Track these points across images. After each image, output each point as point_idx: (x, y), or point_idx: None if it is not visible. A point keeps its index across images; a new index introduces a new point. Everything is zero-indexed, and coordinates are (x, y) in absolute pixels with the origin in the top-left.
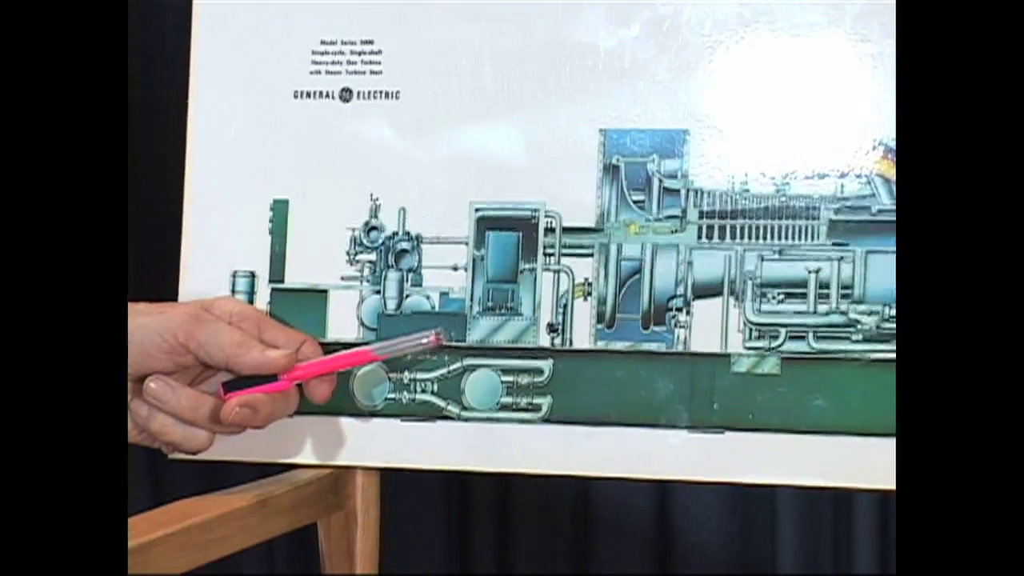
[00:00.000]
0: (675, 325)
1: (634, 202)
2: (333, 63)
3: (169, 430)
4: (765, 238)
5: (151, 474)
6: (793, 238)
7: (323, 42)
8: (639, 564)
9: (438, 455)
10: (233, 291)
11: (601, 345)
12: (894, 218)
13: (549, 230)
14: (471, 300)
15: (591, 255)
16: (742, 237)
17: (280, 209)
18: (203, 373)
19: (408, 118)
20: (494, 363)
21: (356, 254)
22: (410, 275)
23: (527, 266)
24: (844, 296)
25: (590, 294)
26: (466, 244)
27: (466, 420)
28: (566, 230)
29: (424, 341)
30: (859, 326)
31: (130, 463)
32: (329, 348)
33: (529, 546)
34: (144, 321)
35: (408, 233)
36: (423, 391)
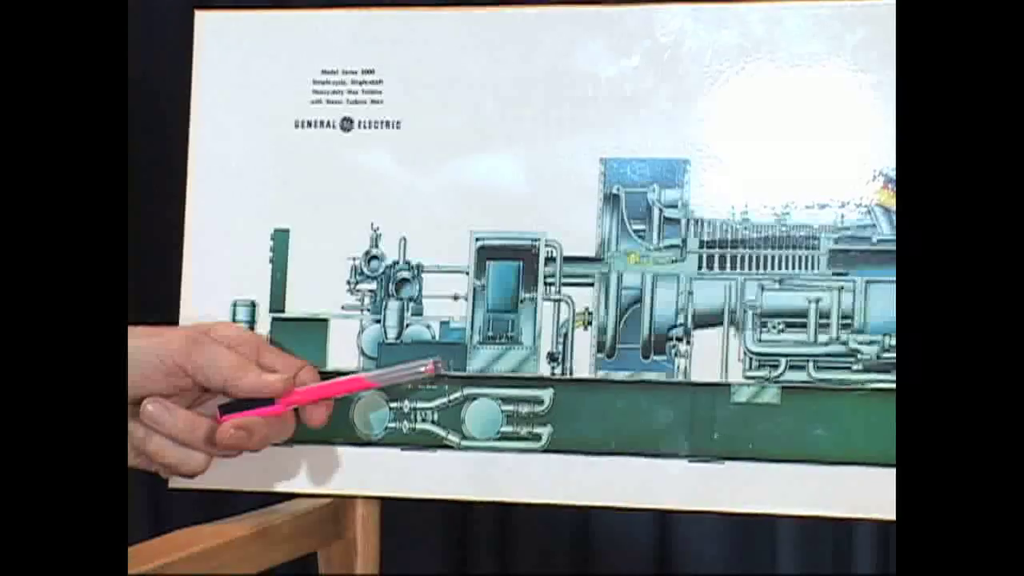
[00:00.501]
0: (675, 354)
1: (634, 231)
2: (334, 92)
3: (165, 452)
4: (765, 268)
5: (151, 503)
6: (793, 268)
7: (324, 71)
8: None
9: (438, 484)
10: (233, 320)
11: (601, 374)
12: (894, 248)
13: (550, 259)
14: (471, 329)
15: (591, 284)
16: (742, 267)
17: (281, 238)
18: (201, 396)
19: (409, 148)
20: (494, 392)
21: (357, 283)
22: (410, 304)
23: (527, 295)
24: (844, 326)
25: (590, 323)
26: (467, 273)
27: (466, 449)
28: (567, 259)
29: (421, 370)
30: (859, 356)
31: (130, 492)
32: (329, 377)
33: (529, 575)
34: (142, 343)
35: (409, 262)
36: (423, 420)
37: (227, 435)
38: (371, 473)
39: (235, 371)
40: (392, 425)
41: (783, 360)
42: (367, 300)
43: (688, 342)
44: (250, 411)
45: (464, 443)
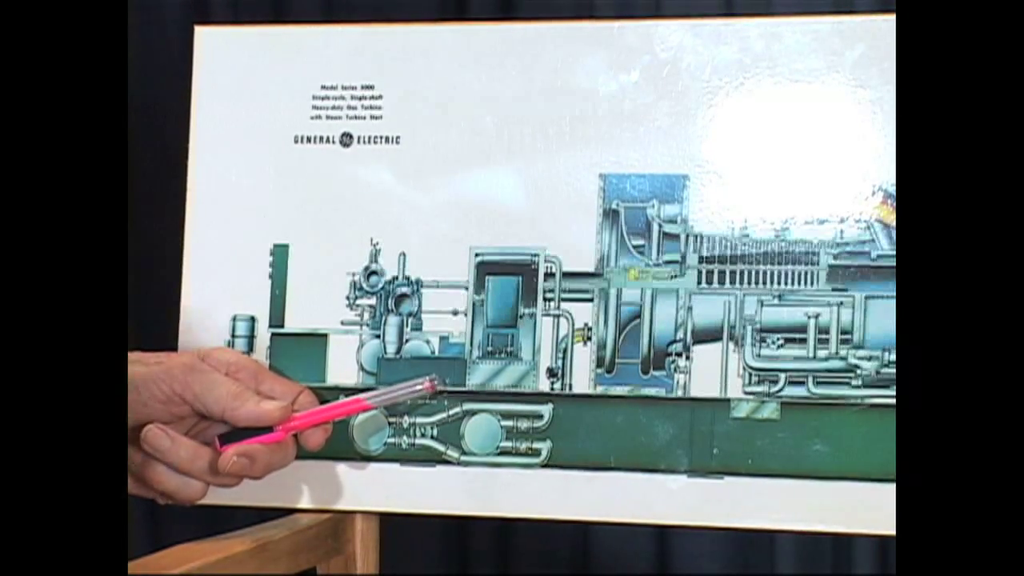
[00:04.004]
0: (675, 370)
1: (634, 247)
2: (334, 108)
3: (164, 479)
4: (765, 283)
5: (150, 518)
6: (793, 283)
7: (324, 87)
8: None
9: (437, 500)
10: (233, 335)
11: (601, 390)
12: (894, 263)
13: (549, 275)
14: (471, 345)
15: (591, 300)
16: (742, 282)
17: (280, 254)
18: (198, 424)
19: (408, 163)
20: (494, 408)
21: (356, 299)
22: (410, 320)
23: (527, 311)
24: (844, 341)
25: (590, 339)
26: (466, 289)
27: (466, 465)
28: (566, 275)
29: (418, 388)
30: (859, 371)
31: (129, 507)
32: (329, 392)
33: None
34: (140, 371)
35: (408, 278)
36: (423, 435)
37: (230, 463)
38: (370, 488)
39: (234, 400)
40: (391, 440)
41: (782, 375)
42: (366, 315)
43: (687, 357)
44: (250, 439)
45: (463, 458)
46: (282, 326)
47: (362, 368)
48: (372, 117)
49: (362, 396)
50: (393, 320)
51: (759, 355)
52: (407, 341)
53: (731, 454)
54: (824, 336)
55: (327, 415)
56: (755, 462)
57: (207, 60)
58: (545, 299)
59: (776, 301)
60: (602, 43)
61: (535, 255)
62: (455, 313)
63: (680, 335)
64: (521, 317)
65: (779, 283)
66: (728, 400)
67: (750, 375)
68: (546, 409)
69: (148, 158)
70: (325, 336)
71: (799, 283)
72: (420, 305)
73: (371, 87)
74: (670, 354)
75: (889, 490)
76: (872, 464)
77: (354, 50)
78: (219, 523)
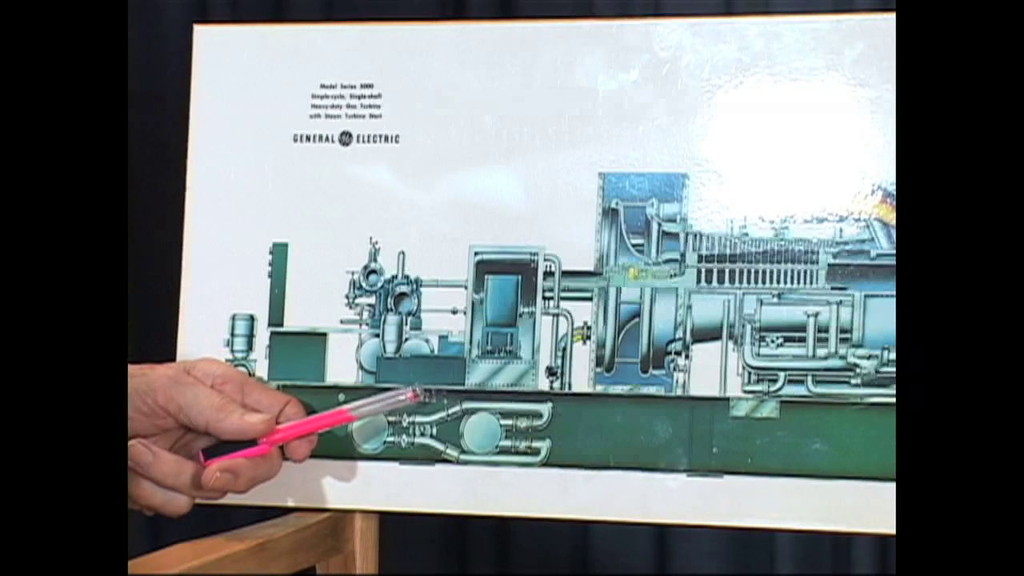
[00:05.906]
0: (674, 369)
1: (633, 246)
2: (333, 107)
3: (149, 494)
4: (764, 282)
5: (150, 518)
6: (792, 282)
7: (323, 86)
8: None
9: (437, 499)
10: (232, 334)
11: (600, 389)
12: (893, 262)
13: (548, 274)
14: (470, 343)
15: (590, 299)
16: (741, 281)
17: (280, 252)
18: (184, 436)
19: (408, 162)
20: (493, 407)
21: (355, 297)
22: (409, 318)
23: (526, 310)
24: (843, 340)
25: (589, 338)
26: (465, 288)
27: (465, 464)
28: (565, 274)
29: (402, 398)
30: (858, 370)
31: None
32: (328, 391)
33: None
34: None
35: (407, 277)
36: (422, 434)
37: (213, 479)
38: (370, 487)
39: (217, 412)
40: (391, 439)
41: (782, 374)
42: (366, 314)
43: (687, 356)
44: (234, 453)
45: (463, 457)
46: (281, 325)
47: (361, 367)
48: (371, 116)
49: (345, 407)
50: (392, 319)
51: (758, 354)
52: (406, 340)
53: (730, 453)
54: (823, 335)
55: (310, 427)
56: (754, 461)
57: (206, 59)
58: (544, 298)
59: (775, 300)
60: (601, 42)
61: (534, 254)
62: (454, 312)
63: (679, 334)
64: (520, 316)
65: (778, 282)
66: (727, 399)
67: (749, 374)
68: (545, 408)
69: (148, 157)
70: (324, 335)
71: (798, 282)
72: (419, 304)
73: (370, 86)
74: (669, 353)
75: (889, 489)
76: (872, 463)
77: (353, 49)
78: (219, 523)
